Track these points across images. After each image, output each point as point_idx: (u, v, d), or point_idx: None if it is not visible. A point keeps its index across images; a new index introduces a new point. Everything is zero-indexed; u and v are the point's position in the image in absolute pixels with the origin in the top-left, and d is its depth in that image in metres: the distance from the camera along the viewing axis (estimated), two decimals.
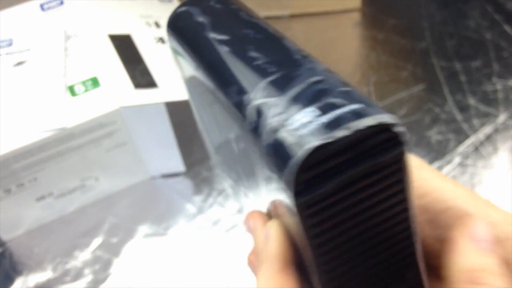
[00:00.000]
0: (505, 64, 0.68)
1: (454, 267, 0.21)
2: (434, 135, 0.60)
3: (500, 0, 0.77)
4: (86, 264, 0.51)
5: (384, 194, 0.20)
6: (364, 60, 0.71)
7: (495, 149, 0.59)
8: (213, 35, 0.27)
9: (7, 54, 0.54)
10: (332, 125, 0.18)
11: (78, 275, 0.50)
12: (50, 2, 0.58)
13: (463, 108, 0.63)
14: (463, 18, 0.75)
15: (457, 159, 0.58)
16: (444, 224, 0.23)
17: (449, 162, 0.57)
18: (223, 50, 0.26)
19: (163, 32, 0.61)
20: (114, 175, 0.55)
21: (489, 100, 0.64)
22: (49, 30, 0.56)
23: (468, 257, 0.21)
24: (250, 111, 0.21)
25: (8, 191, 0.50)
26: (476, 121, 0.62)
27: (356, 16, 0.78)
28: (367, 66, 0.70)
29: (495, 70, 0.67)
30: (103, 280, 0.50)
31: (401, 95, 0.65)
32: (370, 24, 0.77)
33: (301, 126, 0.18)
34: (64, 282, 0.50)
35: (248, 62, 0.24)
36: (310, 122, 0.18)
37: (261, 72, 0.23)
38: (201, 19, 0.28)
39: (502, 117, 0.62)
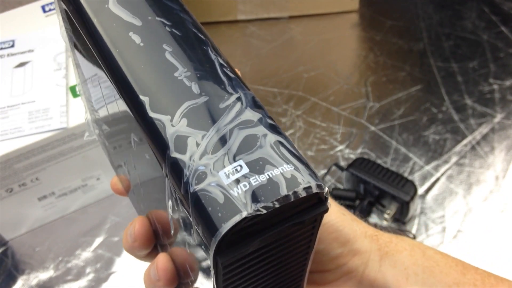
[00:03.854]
0: (501, 64, 0.69)
1: None
2: (431, 135, 0.61)
3: (497, 1, 0.78)
4: (88, 262, 0.52)
5: (296, 242, 0.21)
6: (362, 61, 0.71)
7: (492, 149, 0.59)
8: (118, 12, 0.23)
9: (9, 55, 0.55)
10: (261, 194, 0.17)
11: (80, 273, 0.51)
12: (52, 4, 0.59)
13: (460, 108, 0.64)
14: (460, 19, 0.75)
15: (454, 159, 0.58)
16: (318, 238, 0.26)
17: (446, 161, 0.58)
18: (133, 43, 0.22)
19: None
20: (115, 174, 0.55)
21: (486, 100, 0.64)
22: (51, 32, 0.56)
23: None
24: (170, 136, 0.19)
25: (10, 190, 0.50)
26: (473, 121, 0.62)
27: (354, 18, 0.78)
28: (365, 67, 0.70)
29: (491, 71, 0.68)
30: (105, 279, 0.50)
31: (399, 95, 0.66)
32: (368, 26, 0.77)
33: (231, 185, 0.18)
34: (66, 281, 0.51)
35: (166, 70, 0.21)
36: (240, 180, 0.18)
37: (183, 89, 0.20)
38: None
39: (498, 117, 0.62)
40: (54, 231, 0.54)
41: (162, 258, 0.26)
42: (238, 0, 0.76)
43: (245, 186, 0.18)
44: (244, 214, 0.17)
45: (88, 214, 0.56)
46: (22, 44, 0.56)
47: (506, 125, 0.61)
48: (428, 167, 0.57)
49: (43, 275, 0.51)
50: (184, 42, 0.22)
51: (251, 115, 0.20)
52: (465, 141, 0.60)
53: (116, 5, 0.23)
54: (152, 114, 0.20)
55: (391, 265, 0.28)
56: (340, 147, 0.60)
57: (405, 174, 0.57)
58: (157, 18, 0.22)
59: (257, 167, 0.18)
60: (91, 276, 0.51)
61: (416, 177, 0.56)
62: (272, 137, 0.19)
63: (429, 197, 0.55)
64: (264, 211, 0.17)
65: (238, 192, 0.17)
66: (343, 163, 0.58)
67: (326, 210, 0.20)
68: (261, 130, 0.19)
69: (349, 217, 0.28)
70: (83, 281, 0.50)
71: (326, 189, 0.19)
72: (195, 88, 0.20)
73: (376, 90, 0.67)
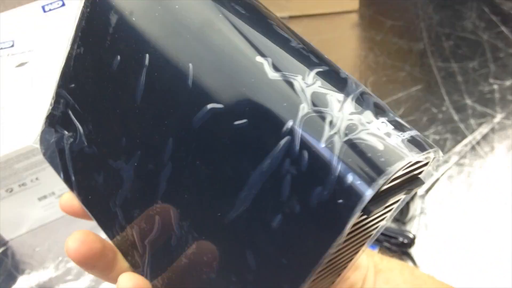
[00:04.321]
0: (501, 64, 0.69)
1: None
2: (431, 135, 0.61)
3: (497, 1, 0.78)
4: None
5: (381, 215, 0.21)
6: (362, 61, 0.71)
7: (492, 149, 0.59)
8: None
9: (9, 55, 0.55)
10: (414, 146, 0.18)
11: (79, 273, 0.51)
12: (52, 3, 0.59)
13: (460, 108, 0.64)
14: (460, 19, 0.75)
15: (454, 159, 0.58)
16: None
17: (446, 161, 0.58)
18: (238, 12, 0.22)
19: None
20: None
21: (486, 100, 0.64)
22: (51, 32, 0.56)
23: None
24: (304, 94, 0.19)
25: (10, 190, 0.50)
26: (473, 121, 0.62)
27: (354, 18, 0.78)
28: (365, 67, 0.70)
29: (491, 71, 0.68)
30: None
31: (399, 95, 0.66)
32: (368, 26, 0.77)
33: (386, 136, 0.18)
34: (66, 281, 0.51)
35: (281, 38, 0.21)
36: (391, 133, 0.18)
37: (304, 57, 0.20)
38: None
39: (498, 117, 0.63)
40: (54, 231, 0.54)
41: (123, 279, 0.25)
42: None
43: (397, 138, 0.18)
44: (410, 159, 0.17)
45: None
46: (22, 44, 0.56)
47: (506, 125, 0.61)
48: (428, 167, 0.57)
49: (43, 275, 0.51)
50: (280, 23, 0.22)
51: (364, 87, 0.20)
52: (465, 141, 0.60)
53: None
54: (276, 74, 0.19)
55: (384, 281, 0.29)
56: None
57: None
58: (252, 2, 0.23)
59: (397, 126, 0.18)
60: (91, 276, 0.51)
61: None
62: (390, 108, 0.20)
63: (429, 197, 0.55)
64: (426, 159, 0.18)
65: (396, 142, 0.17)
66: None
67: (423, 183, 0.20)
68: (380, 99, 0.20)
69: None
70: (83, 281, 0.50)
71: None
72: (313, 58, 0.20)
73: (376, 90, 0.67)
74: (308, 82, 0.19)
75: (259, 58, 0.20)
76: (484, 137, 0.60)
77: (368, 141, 0.17)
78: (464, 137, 0.60)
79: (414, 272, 0.31)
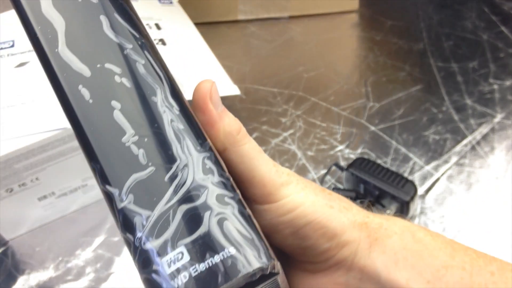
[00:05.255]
0: (501, 64, 0.69)
1: None
2: (431, 135, 0.61)
3: (497, 1, 0.78)
4: (88, 262, 0.52)
5: None
6: (362, 61, 0.71)
7: (492, 149, 0.59)
8: (68, 59, 0.22)
9: (9, 55, 0.55)
10: (200, 285, 0.18)
11: (80, 273, 0.51)
12: None
13: (460, 108, 0.64)
14: (460, 19, 0.75)
15: (454, 159, 0.58)
16: (305, 235, 0.26)
17: (446, 161, 0.58)
18: (83, 99, 0.21)
19: (163, 34, 0.61)
20: None
21: (486, 100, 0.64)
22: None
23: None
24: (119, 212, 0.19)
25: (10, 190, 0.50)
26: (473, 121, 0.62)
27: (354, 18, 0.78)
28: (365, 67, 0.70)
29: (491, 71, 0.68)
30: (105, 279, 0.50)
31: (399, 95, 0.66)
32: (368, 26, 0.77)
33: (172, 275, 0.18)
34: (66, 281, 0.51)
35: (115, 135, 0.20)
36: (180, 270, 0.18)
37: (130, 158, 0.20)
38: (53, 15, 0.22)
39: (498, 117, 0.63)
40: (54, 231, 0.54)
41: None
42: (238, 0, 0.76)
43: (185, 277, 0.18)
44: None
45: (88, 214, 0.56)
46: (22, 44, 0.56)
47: (506, 125, 0.61)
48: (428, 167, 0.57)
49: (43, 275, 0.51)
50: (133, 95, 0.21)
51: (197, 184, 0.19)
52: (465, 141, 0.60)
53: (65, 49, 0.22)
54: (102, 186, 0.20)
55: (381, 251, 0.27)
56: (340, 147, 0.60)
57: (405, 174, 0.57)
58: (106, 66, 0.21)
59: (197, 253, 0.18)
60: (91, 276, 0.51)
61: (416, 177, 0.56)
62: (217, 212, 0.19)
63: (429, 197, 0.55)
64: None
65: (178, 284, 0.18)
66: (343, 163, 0.58)
67: (276, 279, 0.19)
68: (205, 205, 0.19)
69: (338, 208, 0.28)
70: (83, 281, 0.50)
71: (274, 263, 0.19)
72: (142, 157, 0.20)
73: (376, 90, 0.67)
74: (122, 199, 0.19)
75: (93, 164, 0.20)
76: (484, 137, 0.60)
77: (156, 281, 0.18)
78: (464, 137, 0.60)
79: (416, 235, 0.28)
